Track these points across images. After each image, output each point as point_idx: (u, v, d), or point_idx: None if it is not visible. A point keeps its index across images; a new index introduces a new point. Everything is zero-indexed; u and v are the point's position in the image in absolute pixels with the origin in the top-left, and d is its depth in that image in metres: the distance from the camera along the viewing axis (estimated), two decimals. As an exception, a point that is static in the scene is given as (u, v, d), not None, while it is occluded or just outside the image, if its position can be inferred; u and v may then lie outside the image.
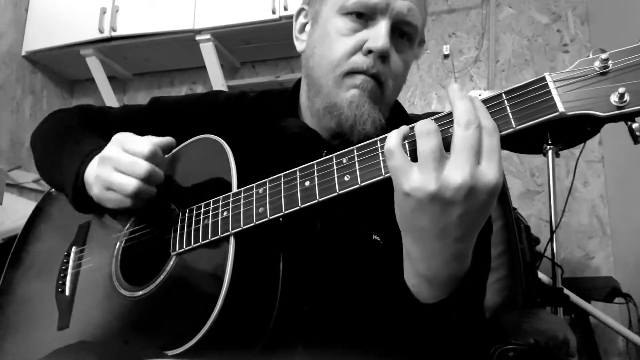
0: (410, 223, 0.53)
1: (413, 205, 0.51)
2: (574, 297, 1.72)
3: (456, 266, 0.55)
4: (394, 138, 0.52)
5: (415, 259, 0.56)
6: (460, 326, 0.62)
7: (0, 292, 0.92)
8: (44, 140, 0.92)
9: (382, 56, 0.73)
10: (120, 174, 0.70)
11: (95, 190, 0.73)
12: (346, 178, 0.59)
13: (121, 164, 0.70)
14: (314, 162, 0.63)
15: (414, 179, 0.50)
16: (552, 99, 0.50)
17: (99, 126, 0.92)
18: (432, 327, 0.61)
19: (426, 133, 0.49)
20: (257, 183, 0.67)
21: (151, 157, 0.70)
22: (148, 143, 0.71)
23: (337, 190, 0.59)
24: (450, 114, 0.52)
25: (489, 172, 0.48)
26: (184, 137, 0.82)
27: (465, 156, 0.48)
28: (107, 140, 0.88)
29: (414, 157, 0.51)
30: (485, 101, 0.53)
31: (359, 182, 0.58)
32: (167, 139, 0.75)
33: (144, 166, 0.69)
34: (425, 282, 0.57)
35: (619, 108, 0.48)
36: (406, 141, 0.54)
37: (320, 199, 0.60)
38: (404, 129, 0.54)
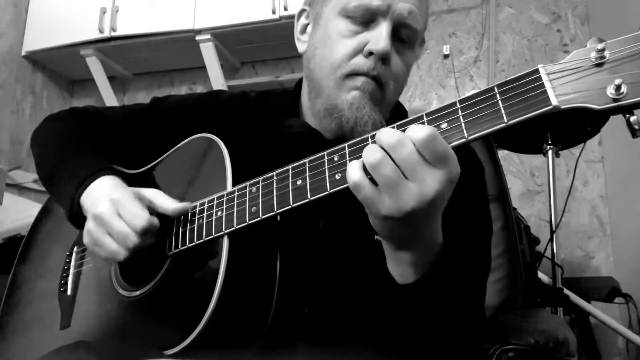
0: (393, 235, 0.57)
1: (394, 223, 0.54)
2: (574, 297, 1.72)
3: (436, 241, 0.59)
4: (355, 171, 0.53)
5: (402, 253, 0.58)
6: (448, 311, 0.62)
7: (8, 291, 0.92)
8: (40, 150, 0.91)
9: (383, 58, 0.73)
10: (112, 241, 0.69)
11: (85, 238, 0.73)
12: (337, 176, 0.58)
13: (113, 232, 0.69)
14: (306, 160, 0.62)
15: (388, 205, 0.52)
16: (545, 92, 0.49)
17: (97, 131, 0.91)
18: (428, 307, 0.61)
19: (375, 166, 0.51)
20: (250, 182, 0.67)
21: (144, 233, 0.69)
22: (143, 219, 0.68)
23: (328, 189, 0.58)
24: (445, 107, 0.54)
25: (442, 174, 0.51)
26: (184, 137, 0.82)
27: (417, 172, 0.50)
28: (107, 146, 0.88)
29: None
30: (477, 94, 0.52)
31: None
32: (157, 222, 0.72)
33: (134, 241, 0.68)
34: (412, 268, 0.59)
35: (615, 100, 0.46)
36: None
37: (312, 198, 0.60)
38: (358, 161, 0.54)
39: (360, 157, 0.56)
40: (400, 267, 0.60)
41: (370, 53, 0.73)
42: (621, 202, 2.25)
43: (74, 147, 0.86)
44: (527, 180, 2.48)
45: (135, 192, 0.73)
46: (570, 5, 2.58)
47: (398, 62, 0.76)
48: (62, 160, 0.83)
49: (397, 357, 0.66)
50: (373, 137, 0.57)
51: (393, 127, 0.56)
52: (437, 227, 0.58)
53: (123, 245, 0.68)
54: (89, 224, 0.72)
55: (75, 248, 0.87)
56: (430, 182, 0.51)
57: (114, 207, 0.70)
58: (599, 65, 0.48)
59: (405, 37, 0.76)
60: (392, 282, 0.61)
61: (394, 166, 0.51)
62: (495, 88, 0.51)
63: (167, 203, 0.72)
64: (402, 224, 0.53)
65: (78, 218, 0.76)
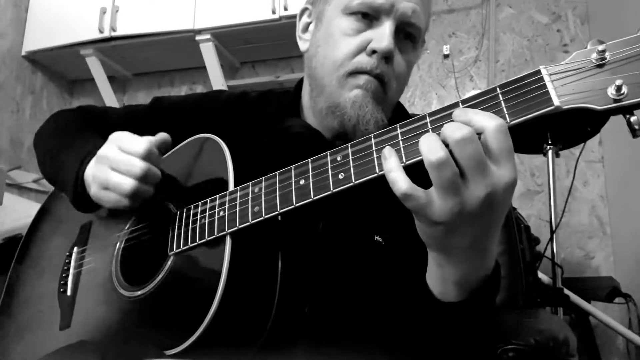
0: (442, 244, 0.53)
1: (444, 229, 0.50)
2: (574, 297, 1.72)
3: (487, 266, 0.56)
4: (403, 182, 0.49)
5: (448, 270, 0.56)
6: (481, 322, 0.62)
7: (6, 292, 0.92)
8: (44, 141, 0.92)
9: (386, 57, 0.73)
10: (117, 173, 0.70)
11: (92, 189, 0.73)
12: (340, 176, 0.58)
13: (118, 163, 0.70)
14: (309, 160, 0.62)
15: (440, 208, 0.48)
16: (547, 92, 0.49)
17: (100, 126, 0.92)
18: (454, 325, 0.60)
19: (440, 165, 0.46)
20: (253, 182, 0.67)
21: (147, 156, 0.70)
22: (144, 141, 0.70)
23: (332, 189, 0.58)
24: (446, 107, 0.52)
25: (504, 174, 0.47)
26: (185, 137, 0.82)
27: (477, 173, 0.46)
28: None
29: (414, 170, 0.51)
30: (479, 95, 0.52)
31: (353, 180, 0.57)
32: (162, 136, 0.74)
33: (140, 165, 0.69)
34: (456, 288, 0.57)
35: (616, 101, 0.47)
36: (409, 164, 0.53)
37: (315, 198, 0.60)
38: (396, 160, 0.51)
39: (363, 158, 0.57)
40: (443, 285, 0.58)
41: (374, 51, 0.73)
42: (621, 202, 2.25)
43: (77, 136, 0.86)
44: (527, 180, 2.48)
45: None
46: (570, 5, 2.58)
47: (400, 61, 0.76)
48: (64, 147, 0.84)
49: (399, 357, 0.66)
50: (376, 136, 0.57)
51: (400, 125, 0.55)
52: (492, 247, 0.54)
53: (129, 173, 0.69)
54: (93, 169, 0.73)
55: (75, 248, 0.87)
56: (482, 188, 0.47)
57: (115, 144, 0.71)
58: (599, 66, 0.49)
59: (408, 36, 0.76)
60: (401, 285, 0.61)
61: (454, 165, 0.47)
62: (498, 89, 0.52)
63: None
64: (452, 230, 0.50)
65: (82, 196, 0.76)
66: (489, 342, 0.66)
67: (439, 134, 0.49)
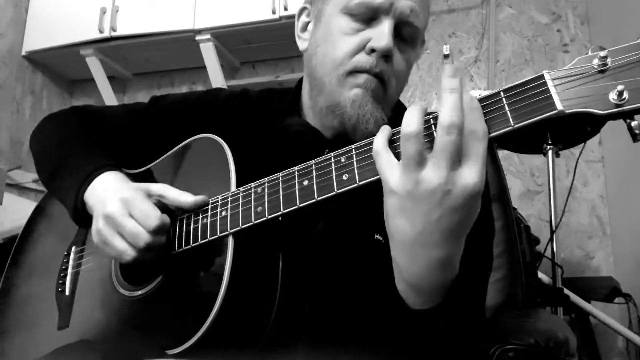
0: (392, 223, 0.54)
1: (395, 203, 0.52)
2: (574, 297, 1.72)
3: (440, 274, 0.55)
4: (380, 140, 0.54)
5: (399, 264, 0.56)
6: (449, 332, 0.62)
7: (1, 292, 0.92)
8: (41, 151, 0.90)
9: (386, 55, 0.73)
10: (122, 241, 0.68)
11: (95, 237, 0.72)
12: (344, 177, 0.59)
13: (124, 231, 0.68)
14: (312, 161, 0.63)
15: (397, 178, 0.51)
16: (550, 97, 0.50)
17: (98, 129, 0.91)
18: (420, 331, 0.61)
19: (407, 137, 0.50)
20: (255, 182, 0.67)
21: (157, 232, 0.68)
22: (157, 218, 0.67)
23: (335, 189, 0.59)
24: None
25: (468, 176, 0.48)
26: (185, 136, 0.82)
27: (443, 160, 0.48)
28: (108, 145, 0.88)
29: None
30: (483, 99, 0.53)
31: (357, 181, 0.57)
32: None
33: (146, 240, 0.67)
34: (410, 289, 0.57)
35: (617, 106, 0.48)
36: (395, 138, 0.55)
37: (319, 198, 0.60)
38: (387, 131, 0.55)
39: (367, 159, 0.58)
40: (401, 283, 0.59)
41: (373, 50, 0.73)
42: (621, 202, 2.25)
43: (75, 145, 0.86)
44: (527, 180, 2.48)
45: (143, 188, 0.72)
46: (570, 5, 2.58)
47: (400, 60, 0.76)
48: (64, 158, 0.83)
49: (399, 357, 0.66)
50: None
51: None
52: (443, 256, 0.53)
53: (134, 244, 0.68)
54: (99, 223, 0.71)
55: (73, 248, 0.87)
56: (440, 176, 0.48)
57: (125, 207, 0.69)
58: (601, 72, 0.50)
59: (407, 35, 0.76)
60: (396, 294, 0.61)
61: (422, 145, 0.50)
62: (502, 93, 0.52)
63: (181, 196, 0.70)
64: (400, 208, 0.51)
65: (82, 215, 0.76)
66: (463, 350, 0.67)
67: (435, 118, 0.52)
